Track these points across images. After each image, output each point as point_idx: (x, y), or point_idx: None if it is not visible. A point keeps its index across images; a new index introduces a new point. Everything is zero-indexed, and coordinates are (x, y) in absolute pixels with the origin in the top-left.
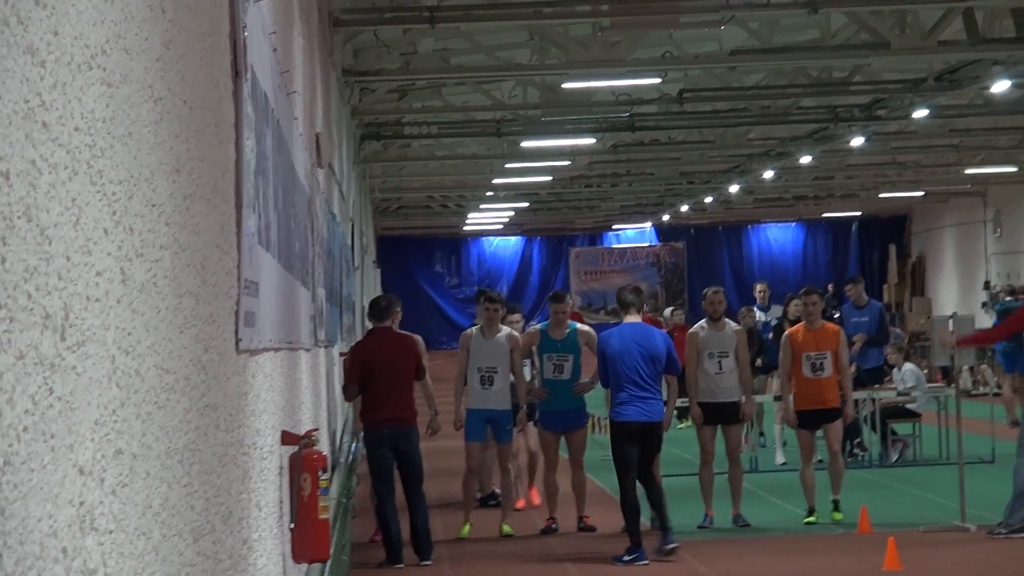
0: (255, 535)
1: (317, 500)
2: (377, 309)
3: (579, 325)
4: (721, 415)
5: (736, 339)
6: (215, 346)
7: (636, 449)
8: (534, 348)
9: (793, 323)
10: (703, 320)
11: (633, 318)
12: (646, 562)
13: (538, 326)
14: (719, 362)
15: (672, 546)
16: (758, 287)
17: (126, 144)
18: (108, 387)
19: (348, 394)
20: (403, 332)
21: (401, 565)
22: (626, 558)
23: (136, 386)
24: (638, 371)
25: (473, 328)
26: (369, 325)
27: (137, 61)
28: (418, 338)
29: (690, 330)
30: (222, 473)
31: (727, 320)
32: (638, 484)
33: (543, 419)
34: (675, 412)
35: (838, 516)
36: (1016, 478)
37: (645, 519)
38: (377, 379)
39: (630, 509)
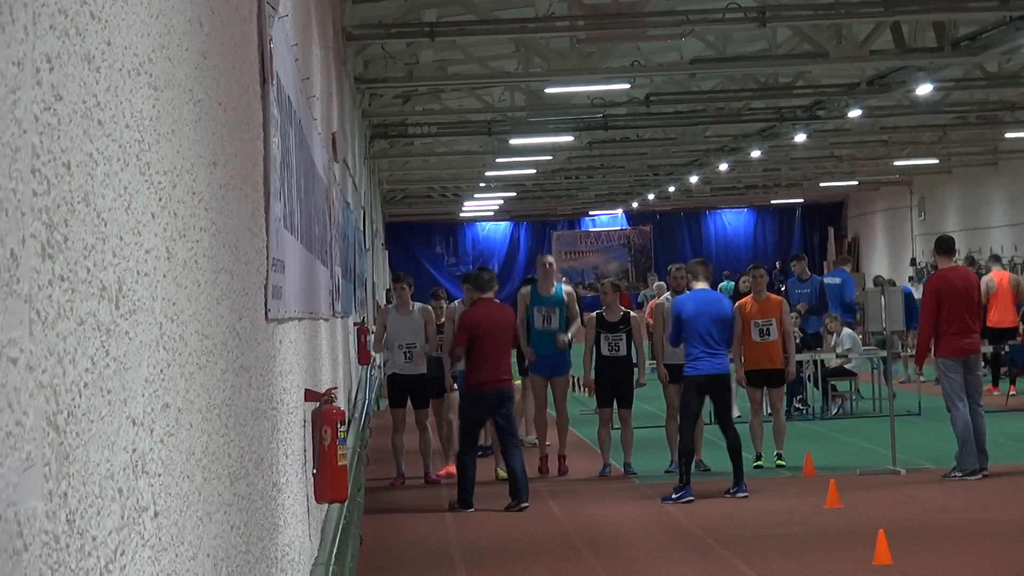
0: (283, 479)
1: (336, 449)
2: (480, 282)
3: (564, 285)
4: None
5: None
6: (247, 315)
7: (702, 400)
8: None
9: (745, 295)
10: (667, 292)
11: (702, 285)
12: (691, 499)
13: (527, 288)
14: None
15: (743, 495)
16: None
17: (170, 140)
18: (156, 350)
19: (455, 356)
20: (502, 304)
21: (472, 509)
22: (674, 496)
23: (180, 349)
24: (709, 331)
25: (458, 302)
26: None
27: (179, 68)
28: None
29: (657, 301)
30: (254, 425)
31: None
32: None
33: (532, 365)
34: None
35: (781, 463)
36: (955, 430)
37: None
38: (481, 345)
39: (687, 452)
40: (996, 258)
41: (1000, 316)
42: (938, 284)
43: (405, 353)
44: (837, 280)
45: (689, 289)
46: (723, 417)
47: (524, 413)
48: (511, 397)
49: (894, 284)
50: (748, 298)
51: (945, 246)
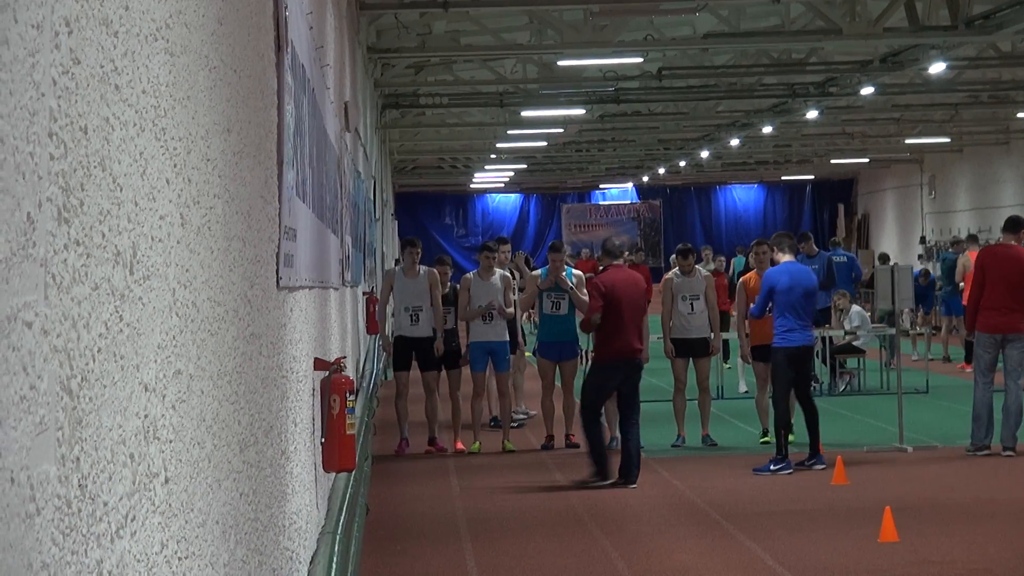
0: (291, 447)
1: (344, 418)
2: (611, 248)
3: (573, 270)
4: (692, 349)
5: (705, 284)
6: (259, 283)
7: (794, 372)
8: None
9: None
10: (676, 268)
11: (788, 258)
12: (791, 471)
13: (539, 271)
14: (691, 304)
15: (821, 467)
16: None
17: (185, 106)
18: (169, 316)
19: (592, 324)
20: (634, 269)
21: (611, 481)
22: (772, 467)
23: (192, 316)
24: (802, 304)
25: (472, 273)
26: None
27: (195, 34)
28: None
29: (665, 276)
30: (264, 393)
31: (698, 268)
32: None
33: (541, 349)
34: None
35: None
36: (973, 405)
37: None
38: (615, 312)
39: (785, 424)
40: (973, 238)
41: None
42: (984, 259)
43: (412, 315)
44: (843, 259)
45: (774, 263)
46: (804, 390)
47: (518, 385)
48: (640, 367)
49: (895, 264)
50: (751, 274)
51: (1011, 224)
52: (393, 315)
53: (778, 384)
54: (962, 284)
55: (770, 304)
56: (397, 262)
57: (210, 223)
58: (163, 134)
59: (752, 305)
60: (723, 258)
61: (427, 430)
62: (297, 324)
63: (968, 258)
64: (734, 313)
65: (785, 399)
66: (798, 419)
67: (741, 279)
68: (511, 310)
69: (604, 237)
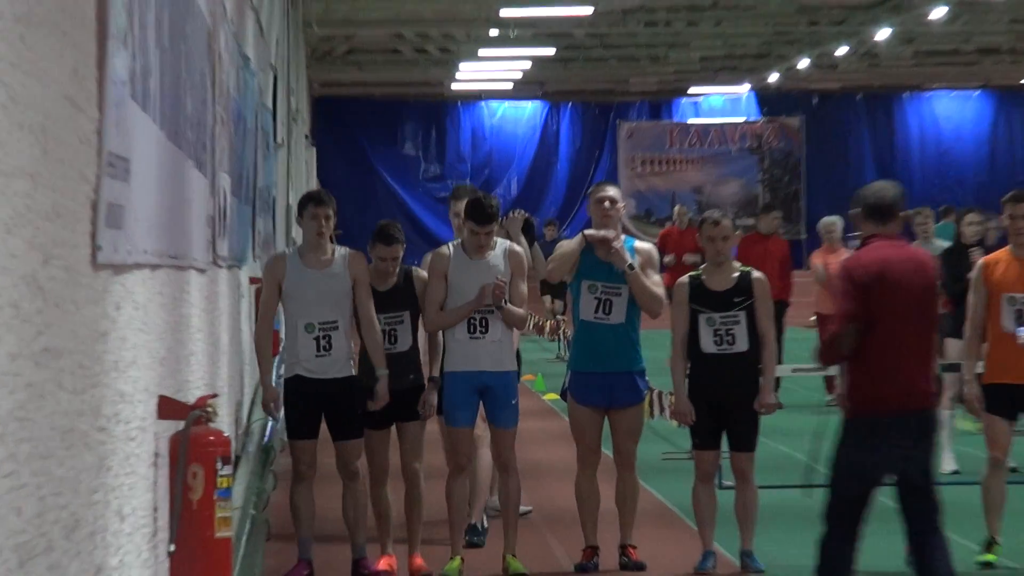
0: (114, 559)
1: (213, 508)
2: (878, 202)
3: (637, 242)
4: None
5: None
6: (60, 256)
7: None
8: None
9: (970, 248)
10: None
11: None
12: None
13: (570, 243)
14: None
15: None
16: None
17: None
18: None
19: (843, 345)
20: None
21: None
22: None
23: None
24: None
25: (451, 245)
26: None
27: None
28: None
29: (838, 261)
30: (66, 459)
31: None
32: None
33: (575, 386)
34: None
35: None
36: None
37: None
38: (886, 324)
39: None
40: None
41: None
42: None
43: (319, 339)
44: None
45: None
46: None
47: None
48: (935, 425)
49: None
50: (1001, 254)
51: None
52: (285, 341)
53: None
54: None
55: None
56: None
57: None
58: None
59: (1005, 316)
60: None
61: (352, 539)
62: (128, 333)
63: None
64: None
65: None
66: None
67: (981, 262)
68: (523, 312)
69: (696, 183)
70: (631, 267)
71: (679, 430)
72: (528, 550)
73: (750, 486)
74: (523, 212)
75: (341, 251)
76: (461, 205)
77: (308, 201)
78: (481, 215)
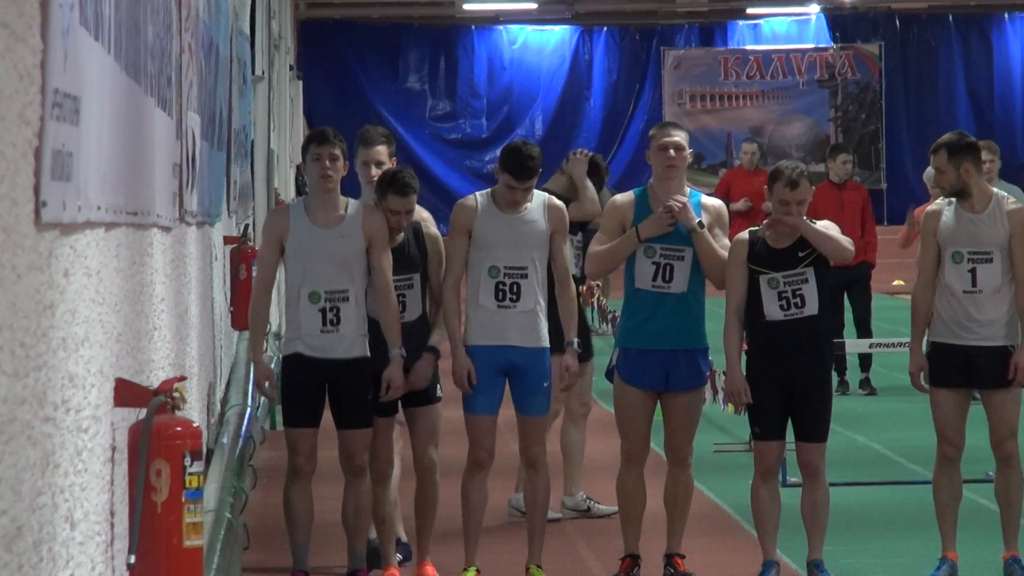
0: (63, 573)
1: (181, 511)
2: None
3: (704, 197)
4: (976, 372)
5: (1009, 229)
6: None
7: None
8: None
9: None
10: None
11: None
12: None
13: (629, 194)
14: (973, 271)
15: None
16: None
17: None
18: None
19: None
20: None
21: None
22: None
23: None
24: None
25: (479, 195)
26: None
27: None
28: (426, 214)
29: (922, 208)
30: (4, 455)
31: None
32: None
33: (624, 366)
34: None
35: None
36: None
37: None
38: None
39: None
40: None
41: None
42: None
43: (326, 311)
44: None
45: None
46: None
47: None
48: None
49: None
50: None
51: None
52: (285, 312)
53: None
54: None
55: None
56: (298, 183)
57: None
58: None
59: None
60: None
61: (350, 545)
62: (79, 305)
63: None
64: None
65: None
66: None
67: None
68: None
69: (756, 122)
70: (701, 224)
71: (735, 418)
72: (556, 560)
73: (820, 483)
74: (586, 152)
75: (355, 204)
76: (370, 153)
77: (311, 141)
78: (521, 168)
